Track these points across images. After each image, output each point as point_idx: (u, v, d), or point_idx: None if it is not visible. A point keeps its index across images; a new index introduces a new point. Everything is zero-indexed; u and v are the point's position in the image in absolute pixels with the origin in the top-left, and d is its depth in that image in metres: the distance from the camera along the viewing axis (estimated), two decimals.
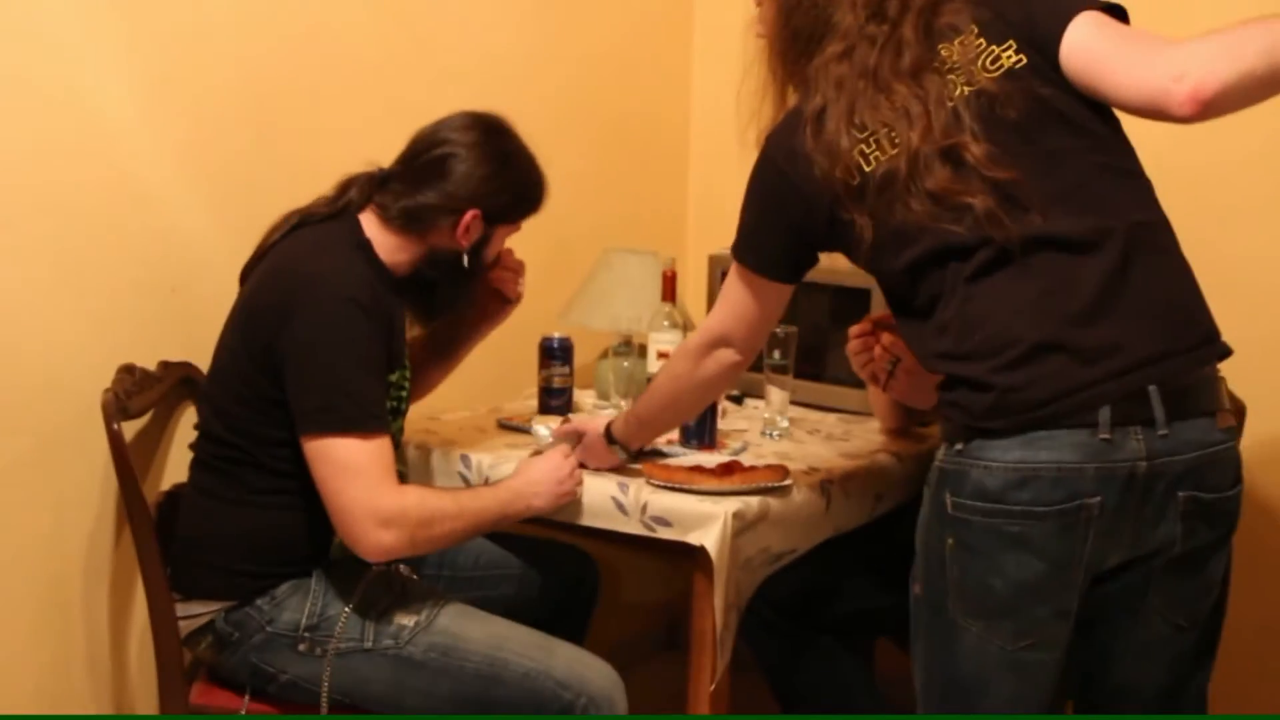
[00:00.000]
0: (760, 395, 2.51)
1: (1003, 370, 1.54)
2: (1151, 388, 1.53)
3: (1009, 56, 1.61)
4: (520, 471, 2.05)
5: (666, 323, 2.45)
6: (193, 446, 2.03)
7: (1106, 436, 1.51)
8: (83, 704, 2.12)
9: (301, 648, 1.92)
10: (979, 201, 1.56)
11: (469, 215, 1.99)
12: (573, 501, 2.06)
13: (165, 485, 2.15)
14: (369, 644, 1.91)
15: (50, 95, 1.98)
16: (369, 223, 2.00)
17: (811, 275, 2.68)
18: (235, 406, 1.94)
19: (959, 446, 1.59)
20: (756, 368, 2.38)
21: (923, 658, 1.69)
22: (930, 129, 1.59)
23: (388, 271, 2.00)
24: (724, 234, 2.93)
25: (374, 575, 1.98)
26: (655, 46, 3.14)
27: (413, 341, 2.15)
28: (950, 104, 1.60)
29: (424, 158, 2.00)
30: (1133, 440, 1.53)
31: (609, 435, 2.09)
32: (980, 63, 1.62)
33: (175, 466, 2.15)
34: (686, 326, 2.50)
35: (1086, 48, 1.58)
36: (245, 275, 2.02)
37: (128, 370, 2.04)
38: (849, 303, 2.50)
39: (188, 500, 2.02)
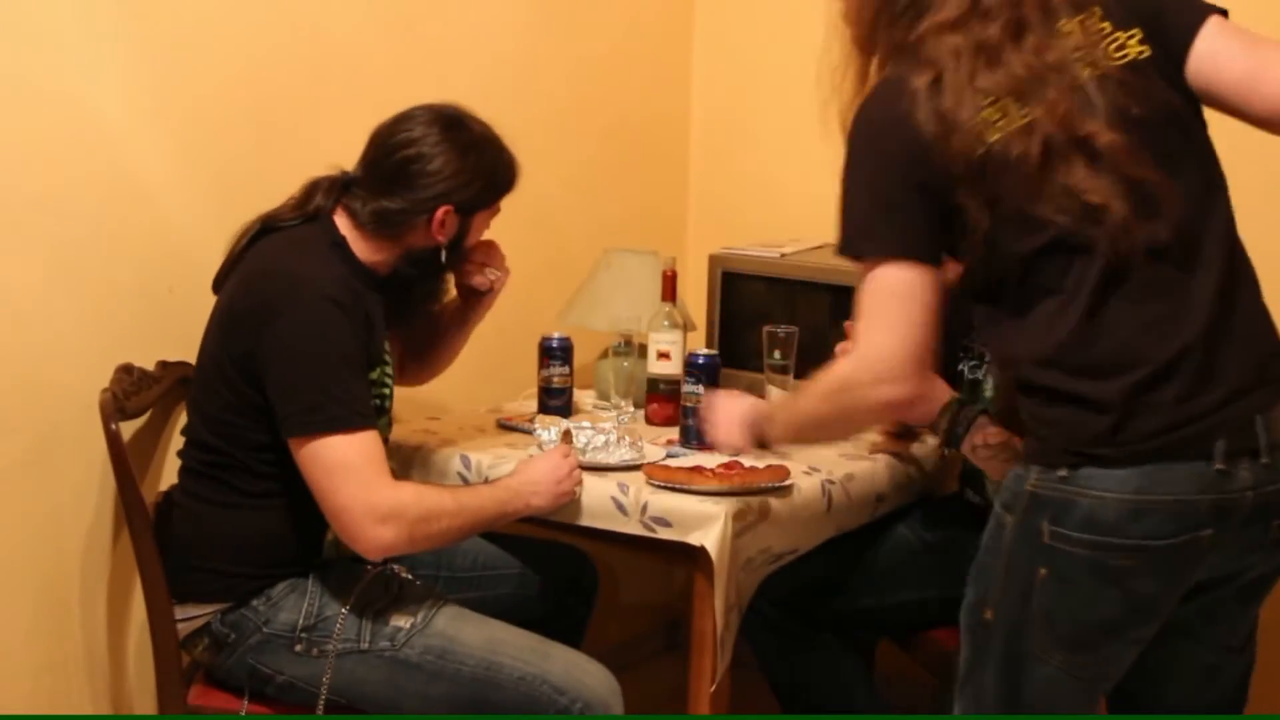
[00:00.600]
0: (761, 395, 2.49)
1: (1129, 392, 1.46)
2: (1258, 417, 1.49)
3: (1134, 46, 1.51)
4: (519, 470, 2.05)
5: (666, 323, 2.45)
6: (181, 454, 2.03)
7: (1222, 468, 1.46)
8: (80, 705, 2.11)
9: (298, 648, 1.91)
10: (1114, 205, 1.45)
11: (440, 212, 1.98)
12: (572, 501, 2.05)
13: (163, 486, 2.14)
14: (365, 645, 1.90)
15: (48, 95, 1.98)
16: (343, 224, 2.00)
17: (811, 275, 2.65)
18: (221, 413, 1.94)
19: (1062, 473, 1.49)
20: (757, 368, 2.38)
21: (986, 684, 1.58)
22: (1058, 107, 1.46)
23: (365, 270, 1.99)
24: (724, 234, 2.96)
25: (371, 576, 1.97)
26: (655, 46, 3.13)
27: (396, 338, 2.14)
28: (1080, 85, 1.48)
29: (387, 161, 1.99)
30: (1243, 471, 1.48)
31: (756, 422, 1.81)
32: (1104, 48, 1.50)
33: (173, 467, 2.14)
34: (687, 326, 2.50)
35: (1220, 57, 1.51)
36: (218, 283, 2.01)
37: (126, 370, 2.04)
38: (849, 303, 2.48)
39: (178, 506, 2.02)
